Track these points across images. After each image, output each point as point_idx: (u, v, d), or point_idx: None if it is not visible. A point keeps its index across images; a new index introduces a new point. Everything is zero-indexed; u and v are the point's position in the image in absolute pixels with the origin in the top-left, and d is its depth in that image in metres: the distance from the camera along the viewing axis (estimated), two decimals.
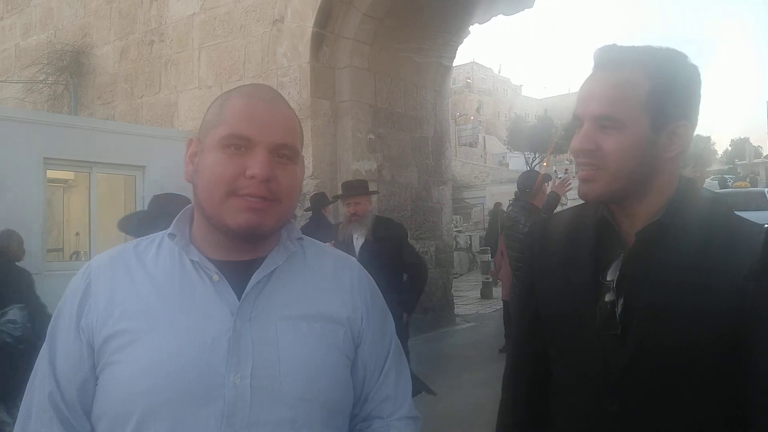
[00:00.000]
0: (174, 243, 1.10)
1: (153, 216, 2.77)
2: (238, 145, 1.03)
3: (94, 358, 1.03)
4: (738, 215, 1.14)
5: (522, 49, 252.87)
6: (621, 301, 1.13)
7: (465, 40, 9.52)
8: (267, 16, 8.12)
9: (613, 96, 1.09)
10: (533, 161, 54.49)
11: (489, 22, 9.10)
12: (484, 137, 60.00)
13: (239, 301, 1.05)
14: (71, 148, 6.74)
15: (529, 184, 4.44)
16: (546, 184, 4.54)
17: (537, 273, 1.30)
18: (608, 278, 1.15)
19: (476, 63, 76.91)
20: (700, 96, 1.13)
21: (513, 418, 1.35)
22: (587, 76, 1.15)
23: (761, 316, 1.02)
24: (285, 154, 1.06)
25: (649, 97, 1.08)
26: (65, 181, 7.90)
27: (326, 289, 1.15)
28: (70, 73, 10.43)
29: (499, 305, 9.89)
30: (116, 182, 7.62)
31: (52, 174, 6.96)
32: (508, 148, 59.99)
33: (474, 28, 9.34)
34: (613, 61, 1.12)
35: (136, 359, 1.00)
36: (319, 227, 4.28)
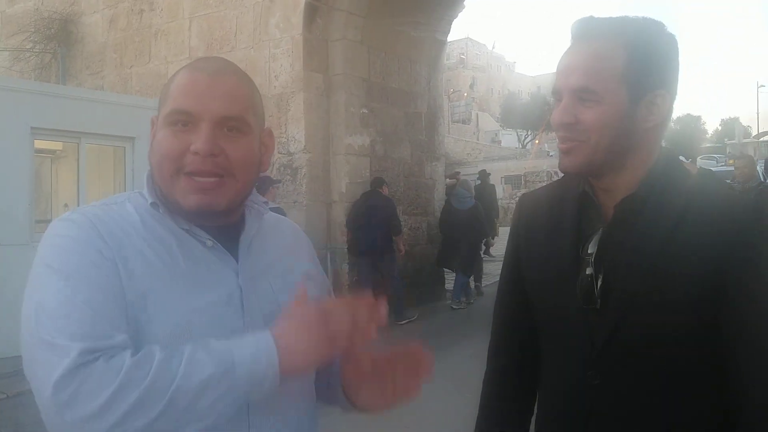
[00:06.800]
0: (159, 212, 1.07)
1: None
2: (184, 121, 1.01)
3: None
4: (728, 185, 1.15)
5: (516, 26, 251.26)
6: (600, 276, 1.13)
7: (460, 14, 9.43)
8: None
9: (590, 68, 1.08)
10: (526, 138, 54.51)
11: None
12: (477, 114, 59.84)
13: (236, 262, 1.08)
14: (59, 118, 6.62)
15: None
16: None
17: (522, 243, 1.31)
18: (589, 251, 1.16)
19: (470, 39, 76.35)
20: (678, 65, 1.12)
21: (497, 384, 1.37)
22: (565, 49, 1.14)
23: (737, 295, 1.03)
24: (233, 126, 1.03)
25: (626, 67, 1.07)
26: (53, 151, 7.79)
27: (292, 247, 1.23)
28: (57, 42, 10.22)
29: (489, 281, 9.94)
30: (105, 153, 7.52)
31: (39, 144, 6.84)
32: (500, 125, 60.00)
33: (469, 2, 9.23)
34: (589, 33, 1.11)
35: (158, 322, 0.98)
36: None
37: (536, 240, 1.26)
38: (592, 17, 1.13)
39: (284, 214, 6.66)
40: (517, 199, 1.45)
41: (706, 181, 1.14)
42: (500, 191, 22.82)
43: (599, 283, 1.13)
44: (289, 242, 1.23)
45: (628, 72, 1.07)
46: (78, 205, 6.92)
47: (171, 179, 1.02)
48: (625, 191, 1.13)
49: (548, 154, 38.02)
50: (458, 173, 12.88)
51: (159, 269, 1.02)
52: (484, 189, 12.72)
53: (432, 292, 9.08)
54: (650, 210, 1.10)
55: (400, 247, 7.77)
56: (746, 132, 47.86)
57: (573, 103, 1.10)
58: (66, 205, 7.50)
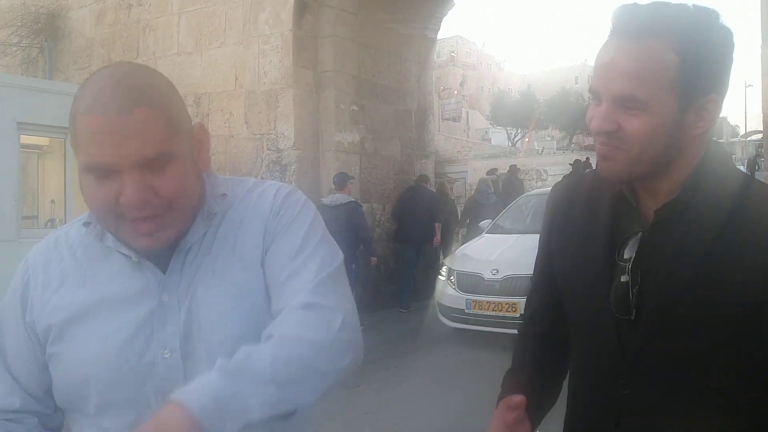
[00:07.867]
0: (89, 230, 1.07)
1: None
2: (103, 172, 0.94)
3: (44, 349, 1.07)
4: None
5: (506, 25, 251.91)
6: (636, 284, 1.06)
7: (449, 11, 9.44)
8: None
9: (636, 73, 0.97)
10: (515, 137, 54.66)
11: None
12: (467, 112, 59.92)
13: (164, 275, 1.04)
14: (46, 114, 6.55)
15: None
16: None
17: (555, 234, 1.23)
18: (625, 256, 1.08)
19: (461, 37, 76.43)
20: (731, 61, 1.00)
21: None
22: (605, 41, 1.01)
23: None
24: (156, 163, 0.95)
25: (677, 74, 0.96)
26: (40, 147, 7.70)
27: (248, 234, 1.08)
28: (44, 37, 10.13)
29: None
30: None
31: (26, 139, 6.78)
32: (490, 123, 60.09)
33: (459, 0, 9.24)
34: (634, 27, 0.98)
35: (71, 350, 1.03)
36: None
37: (569, 235, 1.18)
38: (636, 6, 0.99)
39: (359, 207, 7.12)
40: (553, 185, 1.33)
41: (754, 182, 1.05)
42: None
43: (634, 291, 1.06)
44: (247, 228, 1.09)
45: (678, 79, 0.96)
46: (64, 201, 6.89)
47: (114, 225, 0.99)
48: (668, 194, 1.05)
49: (538, 153, 38.15)
50: (495, 169, 14.29)
51: (85, 295, 1.05)
52: (511, 183, 13.69)
53: (420, 290, 9.07)
54: (693, 214, 1.02)
55: (437, 234, 8.66)
56: (734, 131, 48.29)
57: (614, 110, 0.99)
58: (53, 201, 7.43)
